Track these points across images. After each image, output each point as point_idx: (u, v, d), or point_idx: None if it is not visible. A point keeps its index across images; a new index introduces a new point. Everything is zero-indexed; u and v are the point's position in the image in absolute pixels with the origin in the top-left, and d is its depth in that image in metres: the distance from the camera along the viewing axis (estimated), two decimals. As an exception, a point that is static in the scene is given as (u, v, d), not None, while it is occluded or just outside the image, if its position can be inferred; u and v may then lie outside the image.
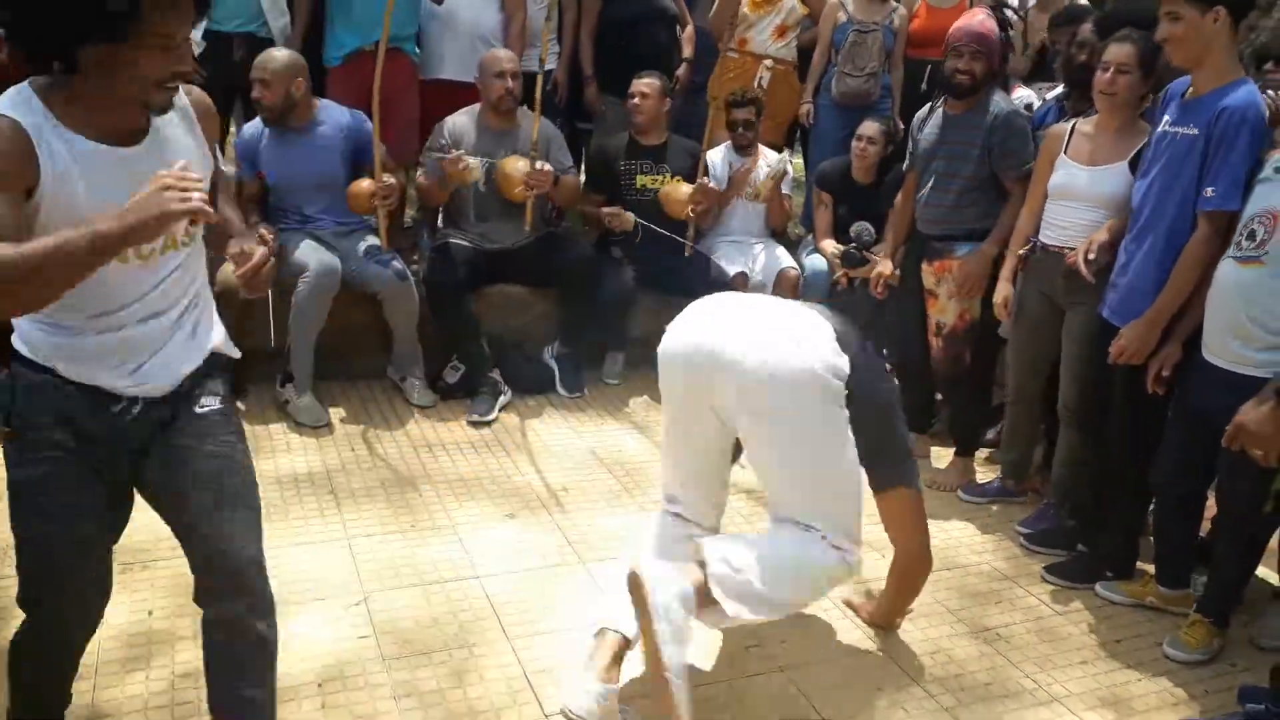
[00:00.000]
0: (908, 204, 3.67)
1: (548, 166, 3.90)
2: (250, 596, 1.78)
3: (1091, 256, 2.83)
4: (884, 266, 3.75)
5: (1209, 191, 2.51)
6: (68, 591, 1.78)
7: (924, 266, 3.50)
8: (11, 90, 1.58)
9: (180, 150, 1.69)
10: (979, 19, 3.37)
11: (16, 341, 1.69)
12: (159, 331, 1.73)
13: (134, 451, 1.76)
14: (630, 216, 4.20)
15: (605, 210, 4.26)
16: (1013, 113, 3.32)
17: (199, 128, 1.80)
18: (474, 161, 3.75)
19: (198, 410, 1.80)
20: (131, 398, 1.72)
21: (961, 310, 3.42)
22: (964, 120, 3.37)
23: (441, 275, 3.88)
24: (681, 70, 4.87)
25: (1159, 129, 2.68)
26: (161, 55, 1.56)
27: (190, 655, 2.32)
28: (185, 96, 1.77)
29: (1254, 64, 2.68)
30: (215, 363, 1.86)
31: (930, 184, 3.45)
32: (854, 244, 4.21)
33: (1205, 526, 2.86)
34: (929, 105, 3.57)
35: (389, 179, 3.70)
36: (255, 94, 3.67)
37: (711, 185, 4.25)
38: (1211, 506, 2.79)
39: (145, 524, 2.85)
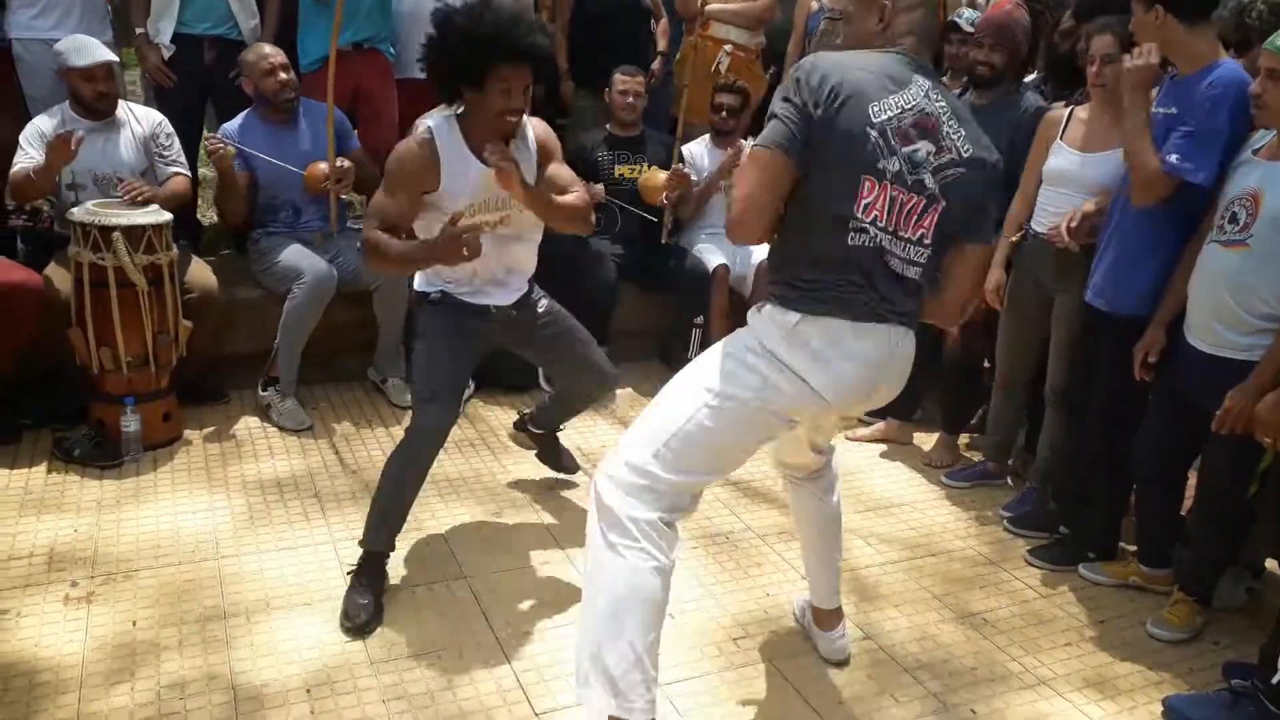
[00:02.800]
0: None
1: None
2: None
3: (1074, 225, 2.84)
4: None
5: (1172, 157, 2.50)
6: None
7: None
8: (438, 116, 2.51)
9: (522, 165, 2.47)
10: (1006, 9, 3.32)
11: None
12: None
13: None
14: (599, 188, 4.18)
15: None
16: (1042, 109, 3.27)
17: (535, 152, 2.60)
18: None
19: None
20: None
21: (978, 301, 3.41)
22: (991, 113, 3.24)
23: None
24: (656, 63, 4.86)
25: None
26: (502, 97, 2.38)
27: (176, 665, 2.32)
28: (530, 127, 2.60)
29: None
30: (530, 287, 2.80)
31: None
32: None
33: (1187, 506, 2.88)
34: (958, 94, 3.51)
35: (344, 161, 3.69)
36: (281, 77, 3.68)
37: (688, 172, 4.25)
38: (1193, 486, 2.81)
39: (127, 534, 2.87)
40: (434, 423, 2.55)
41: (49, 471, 3.19)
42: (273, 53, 3.72)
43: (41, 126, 3.45)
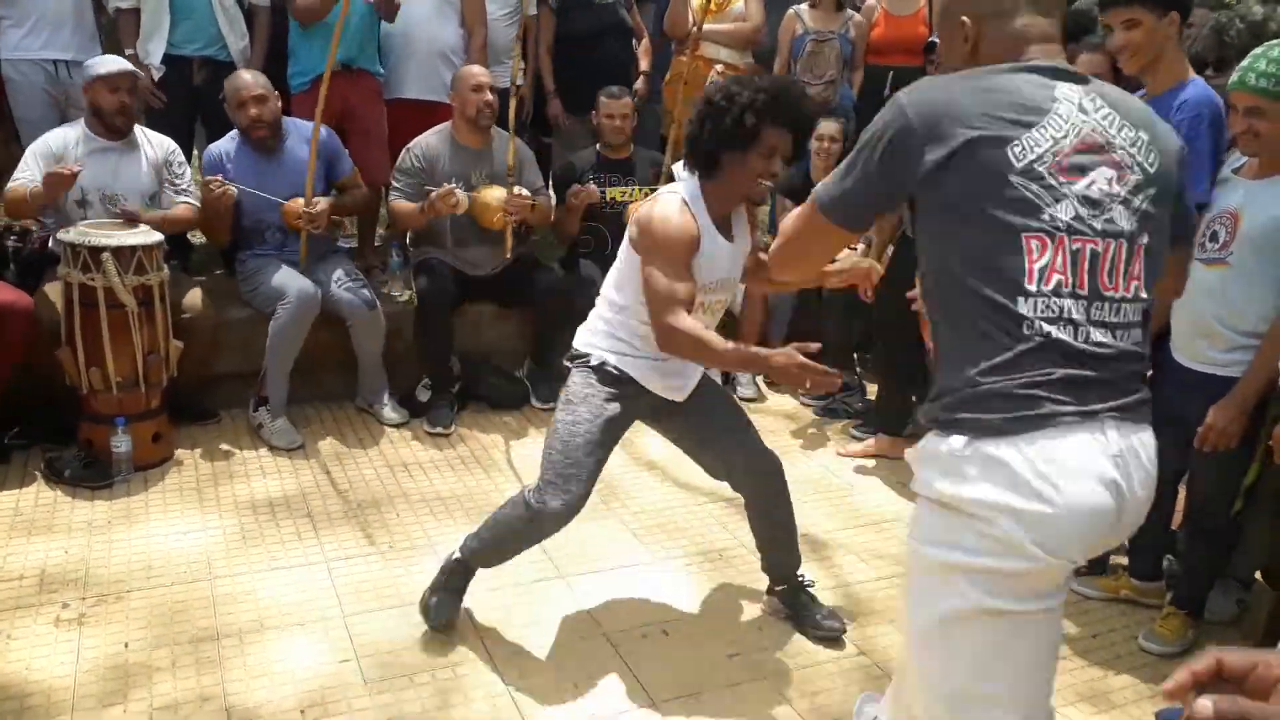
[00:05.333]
0: None
1: (525, 192, 3.92)
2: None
3: None
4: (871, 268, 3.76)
5: None
6: None
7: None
8: (690, 185, 2.36)
9: (743, 238, 2.47)
10: None
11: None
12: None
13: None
14: (593, 188, 4.19)
15: (571, 189, 4.21)
16: None
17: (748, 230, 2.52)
18: (462, 195, 3.74)
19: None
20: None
21: None
22: None
23: (434, 291, 3.86)
24: (640, 83, 4.90)
25: None
26: (766, 161, 2.28)
27: (168, 687, 2.30)
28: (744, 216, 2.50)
29: (1194, 70, 2.74)
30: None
31: None
32: None
33: (1178, 520, 2.91)
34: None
35: (320, 203, 3.69)
36: (254, 113, 3.64)
37: None
38: (1183, 500, 2.83)
39: (118, 556, 2.85)
40: (560, 509, 2.38)
41: (39, 492, 3.17)
42: (250, 83, 3.67)
43: (51, 144, 3.45)
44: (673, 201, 2.31)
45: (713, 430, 2.59)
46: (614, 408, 2.42)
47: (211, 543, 2.95)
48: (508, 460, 3.65)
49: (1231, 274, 2.39)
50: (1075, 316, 1.42)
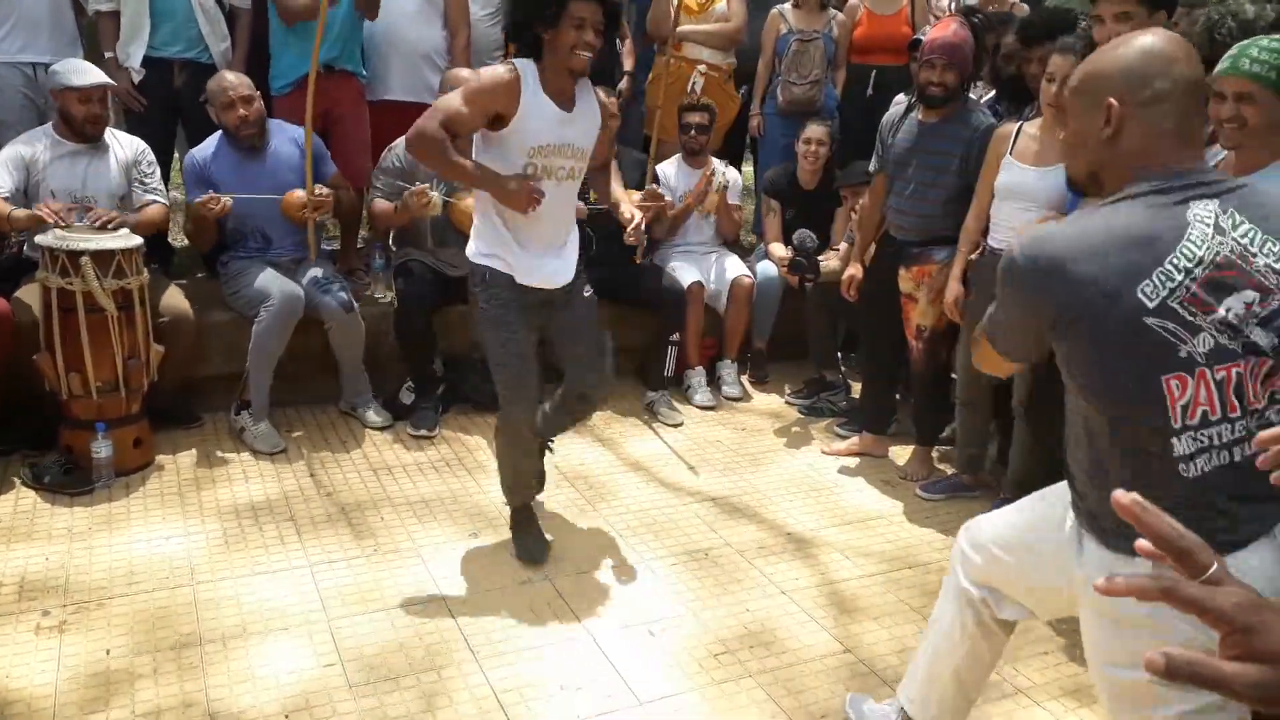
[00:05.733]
0: (876, 207, 3.70)
1: None
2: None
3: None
4: (854, 269, 3.78)
5: None
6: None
7: (901, 272, 3.52)
8: (527, 61, 2.64)
9: (589, 117, 2.75)
10: (951, 29, 3.40)
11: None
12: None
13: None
14: (581, 205, 4.17)
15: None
16: (992, 126, 3.34)
17: (600, 116, 2.81)
18: (436, 196, 3.73)
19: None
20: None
21: (940, 313, 3.45)
22: (943, 130, 3.39)
23: (414, 294, 3.84)
24: (624, 83, 4.90)
25: None
26: (576, 32, 2.55)
27: (151, 693, 2.28)
28: (601, 97, 2.86)
29: None
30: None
31: (909, 191, 3.45)
32: (798, 252, 4.24)
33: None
34: (904, 110, 3.58)
35: (322, 190, 3.68)
36: (241, 113, 3.63)
37: (660, 192, 4.27)
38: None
39: (99, 562, 2.83)
40: (522, 416, 2.82)
41: (19, 498, 3.15)
42: (236, 84, 3.66)
43: (21, 151, 3.43)
44: (506, 62, 2.68)
45: (568, 350, 2.93)
46: (515, 316, 2.76)
47: (194, 548, 2.93)
48: (492, 461, 3.63)
49: None
50: (1225, 439, 1.42)
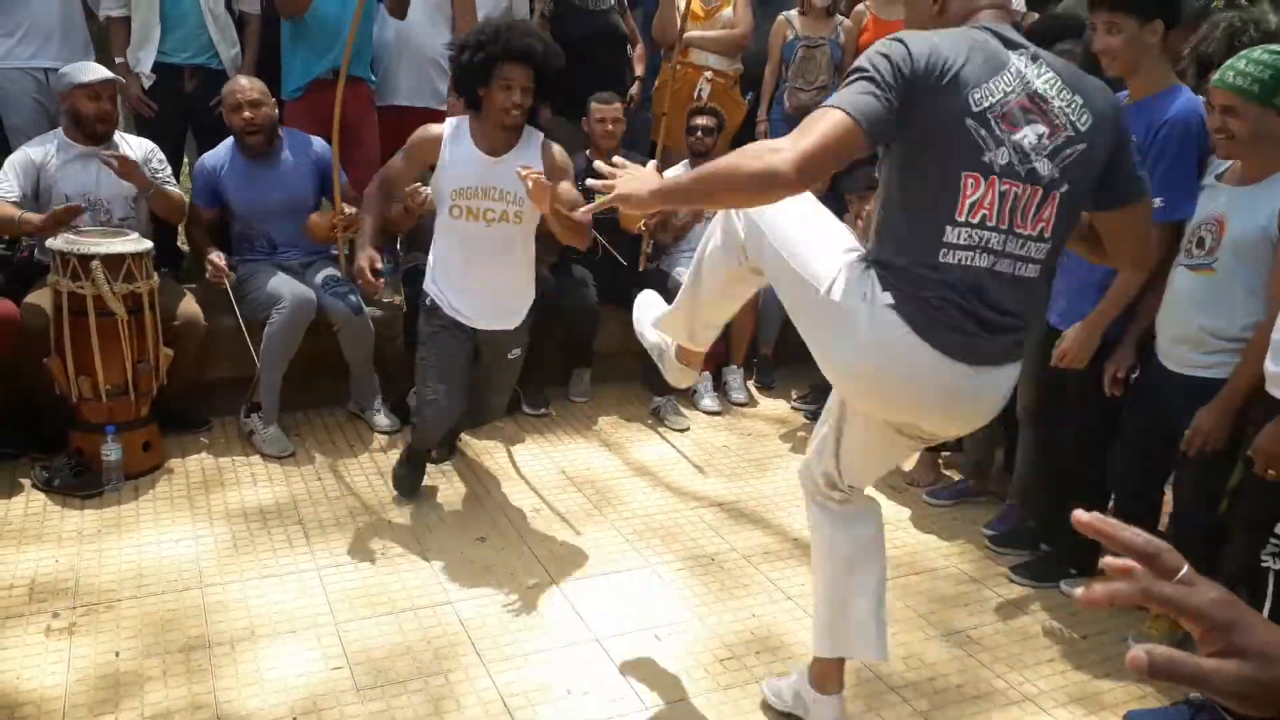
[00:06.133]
0: None
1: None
2: None
3: None
4: None
5: (1157, 201, 2.55)
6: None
7: None
8: (460, 119, 3.07)
9: (509, 167, 2.92)
10: None
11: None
12: None
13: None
14: (424, 190, 4.16)
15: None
16: None
17: (543, 164, 3.02)
18: (431, 193, 3.73)
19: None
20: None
21: None
22: None
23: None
24: (635, 88, 4.91)
25: None
26: (504, 93, 2.89)
27: (160, 696, 2.30)
28: (547, 145, 3.12)
29: (1197, 72, 2.74)
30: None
31: None
32: None
33: (1165, 523, 2.92)
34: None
35: (349, 209, 3.69)
36: (247, 115, 3.64)
37: None
38: (1169, 502, 2.85)
39: (109, 565, 2.85)
40: (429, 426, 3.10)
41: (29, 501, 3.17)
42: (248, 87, 3.68)
43: (31, 154, 3.45)
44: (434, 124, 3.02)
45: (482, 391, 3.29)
46: (446, 339, 3.06)
47: (202, 551, 2.94)
48: (499, 466, 3.65)
49: (1217, 280, 2.41)
50: (993, 247, 1.69)
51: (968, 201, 1.67)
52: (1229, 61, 2.32)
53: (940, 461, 3.77)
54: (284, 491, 3.35)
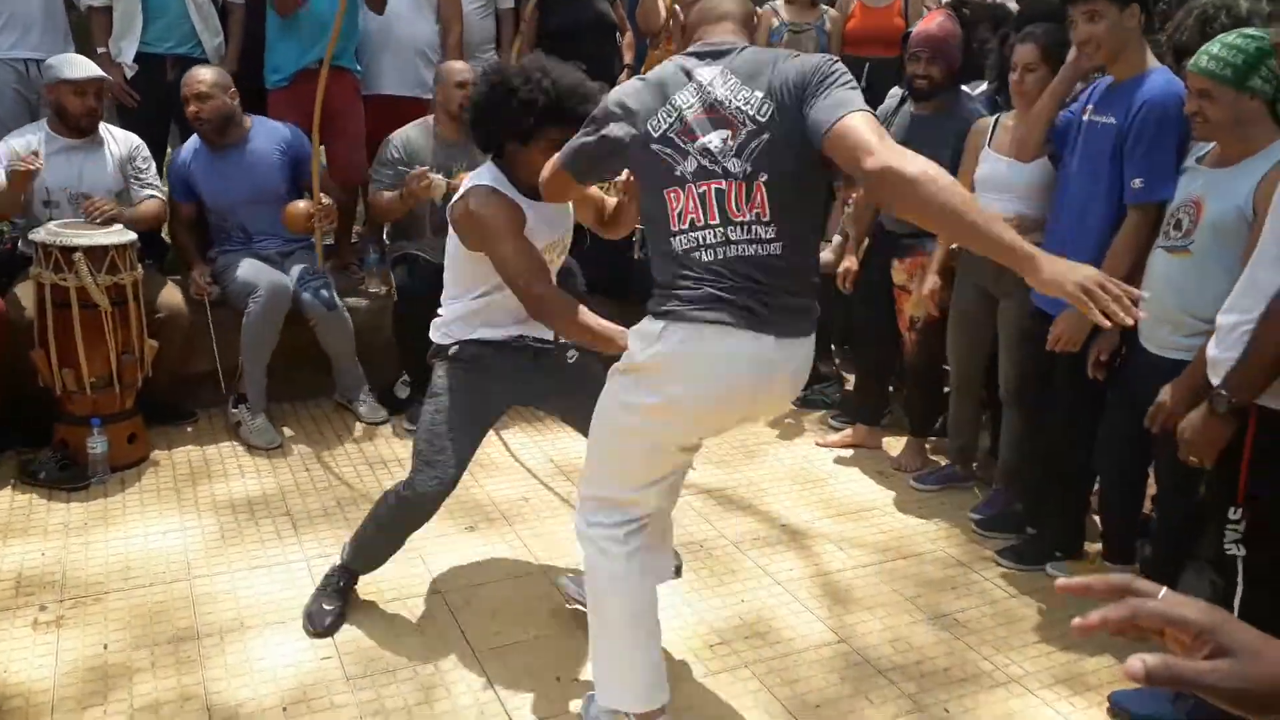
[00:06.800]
0: (869, 200, 3.71)
1: None
2: None
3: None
4: (849, 262, 3.78)
5: (1137, 183, 2.57)
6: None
7: (895, 264, 3.54)
8: (490, 170, 2.43)
9: (558, 214, 2.49)
10: (937, 22, 3.42)
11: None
12: None
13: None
14: (437, 178, 4.16)
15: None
16: (982, 117, 3.36)
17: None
18: (438, 178, 3.72)
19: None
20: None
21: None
22: (934, 122, 3.41)
23: (413, 284, 3.84)
24: (623, 76, 4.90)
25: (1083, 117, 2.75)
26: (546, 155, 2.22)
27: (148, 688, 2.30)
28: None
29: (1174, 60, 2.76)
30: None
31: None
32: None
33: (1148, 505, 2.95)
34: (898, 103, 3.59)
35: (326, 200, 3.68)
36: (192, 109, 3.63)
37: None
38: (1153, 484, 2.87)
39: (96, 557, 2.84)
40: (432, 490, 2.44)
41: (14, 495, 3.15)
42: (194, 80, 3.65)
43: (14, 144, 3.42)
44: (481, 191, 2.36)
45: (575, 406, 2.56)
46: (475, 389, 2.49)
47: (190, 543, 2.94)
48: (488, 456, 3.65)
49: (1193, 262, 2.42)
50: (708, 240, 1.87)
51: (675, 213, 1.89)
52: (1204, 46, 2.33)
53: (927, 447, 3.79)
54: (271, 483, 3.34)
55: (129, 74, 3.99)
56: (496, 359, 2.51)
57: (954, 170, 3.33)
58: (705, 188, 1.87)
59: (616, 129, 1.93)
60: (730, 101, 1.87)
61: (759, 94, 1.86)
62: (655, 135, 1.89)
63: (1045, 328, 2.81)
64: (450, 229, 2.44)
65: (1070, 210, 2.78)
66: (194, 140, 3.78)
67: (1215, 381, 2.15)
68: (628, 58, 4.99)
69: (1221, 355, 2.13)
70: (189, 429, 3.72)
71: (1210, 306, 2.40)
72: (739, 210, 1.87)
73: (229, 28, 4.18)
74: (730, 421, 2.12)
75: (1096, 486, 3.00)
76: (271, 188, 3.78)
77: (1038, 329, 2.85)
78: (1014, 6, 4.21)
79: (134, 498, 3.20)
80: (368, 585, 2.75)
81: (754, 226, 1.87)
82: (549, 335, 2.56)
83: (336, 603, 2.57)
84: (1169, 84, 2.56)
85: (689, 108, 1.88)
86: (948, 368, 3.63)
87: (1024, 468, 3.20)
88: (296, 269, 3.76)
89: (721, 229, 1.87)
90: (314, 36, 3.99)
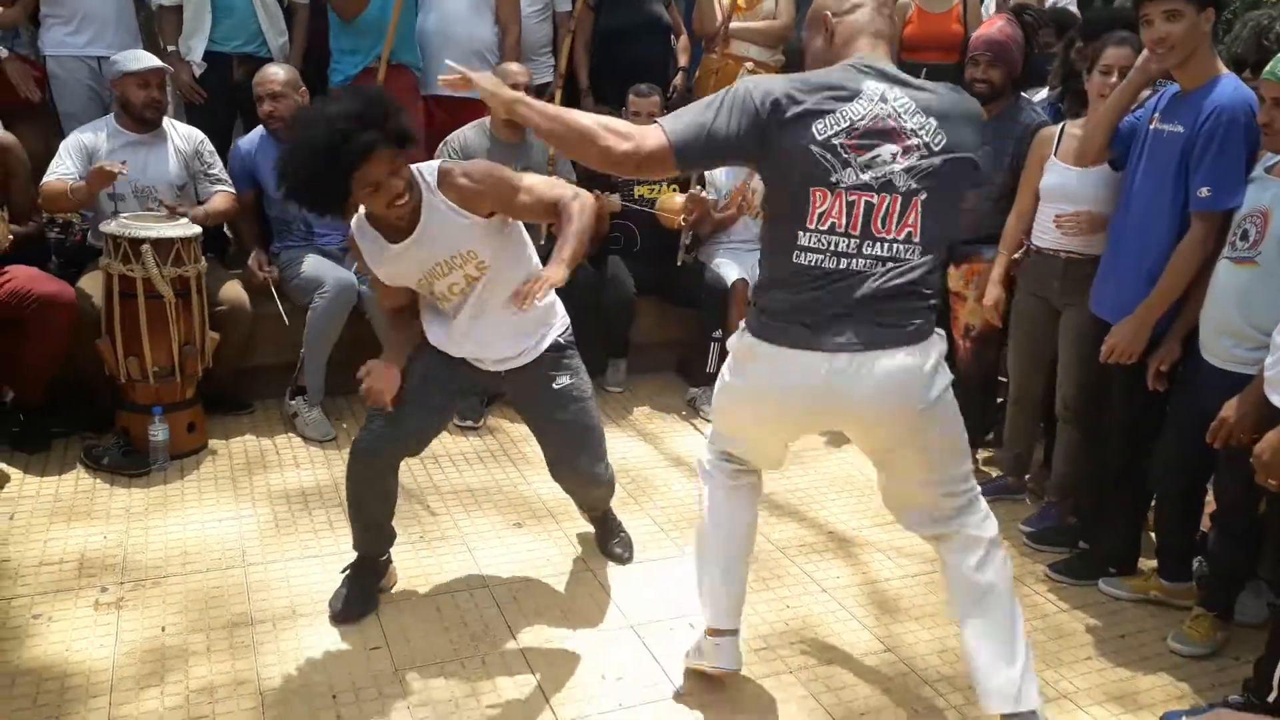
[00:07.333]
0: None
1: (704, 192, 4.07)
2: None
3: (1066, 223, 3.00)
4: None
5: (1204, 191, 2.51)
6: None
7: (950, 269, 3.50)
8: (359, 219, 2.42)
9: (442, 237, 2.36)
10: (998, 26, 3.38)
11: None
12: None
13: None
14: (616, 199, 4.19)
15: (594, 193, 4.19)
16: (1044, 124, 3.32)
17: (458, 213, 2.37)
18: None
19: None
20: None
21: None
22: (994, 127, 3.34)
23: None
24: (678, 79, 4.91)
25: (1149, 126, 2.70)
26: (373, 195, 2.22)
27: (204, 670, 2.35)
28: (436, 196, 2.36)
29: (1232, 70, 2.71)
30: None
31: None
32: None
33: (1207, 522, 2.88)
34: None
35: None
36: (267, 108, 3.71)
37: (705, 195, 4.27)
38: (1211, 501, 2.81)
39: (155, 542, 2.91)
40: (364, 444, 2.50)
41: (79, 479, 3.24)
42: (268, 79, 3.73)
43: (84, 139, 3.53)
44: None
45: (537, 426, 2.72)
46: (434, 362, 2.55)
47: (245, 530, 3.00)
48: (535, 453, 3.67)
49: (1260, 273, 2.37)
50: (842, 249, 1.91)
51: (816, 211, 1.92)
52: None
53: (979, 458, 3.75)
54: (325, 474, 3.40)
55: (197, 72, 4.08)
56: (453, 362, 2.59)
57: (1015, 176, 3.30)
58: (856, 197, 1.90)
59: (766, 120, 1.89)
60: (904, 120, 1.92)
61: (933, 122, 1.93)
62: (819, 138, 1.89)
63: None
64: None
65: (1134, 220, 2.73)
66: (259, 131, 3.86)
67: (1276, 400, 2.10)
68: (682, 60, 4.99)
69: (1277, 373, 2.08)
70: (246, 419, 3.79)
71: (1275, 319, 2.35)
72: (884, 227, 1.92)
73: (293, 27, 4.26)
74: (802, 422, 2.18)
75: (1153, 502, 2.94)
76: None
77: (1099, 341, 2.80)
78: (1075, 11, 4.15)
79: (192, 485, 3.27)
80: (416, 578, 2.79)
81: (897, 245, 1.92)
82: (488, 366, 2.57)
83: (348, 587, 2.62)
84: (1238, 91, 2.50)
85: (860, 119, 1.90)
86: (1002, 379, 3.58)
87: (1079, 481, 3.14)
88: (356, 263, 3.82)
89: (858, 241, 1.91)
90: (375, 37, 4.05)
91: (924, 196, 1.92)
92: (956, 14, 4.84)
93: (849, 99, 1.91)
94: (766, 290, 2.03)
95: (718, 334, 4.26)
